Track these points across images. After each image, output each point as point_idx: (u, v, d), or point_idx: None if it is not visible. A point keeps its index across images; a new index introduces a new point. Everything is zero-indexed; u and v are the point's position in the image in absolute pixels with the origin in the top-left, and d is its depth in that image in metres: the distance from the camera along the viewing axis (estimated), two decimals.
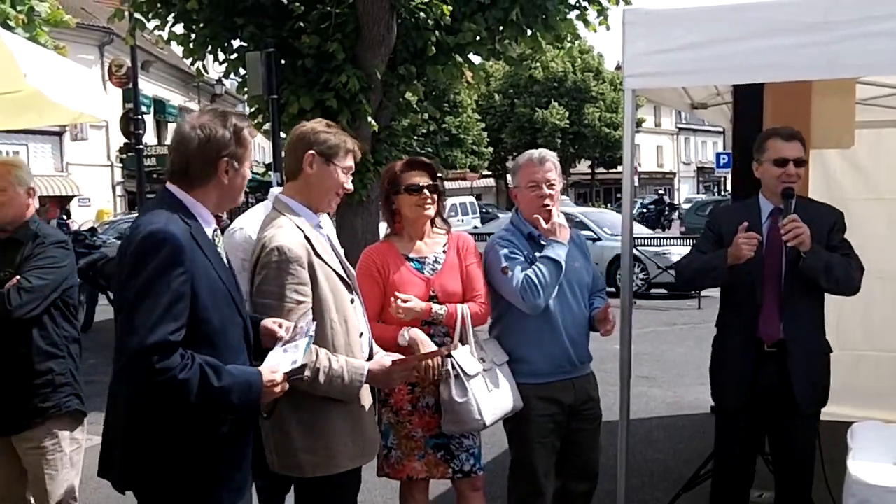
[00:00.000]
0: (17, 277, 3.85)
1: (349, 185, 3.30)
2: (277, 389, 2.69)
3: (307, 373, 2.92)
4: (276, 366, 2.73)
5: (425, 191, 3.73)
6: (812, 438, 4.02)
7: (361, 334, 3.30)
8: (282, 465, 3.19)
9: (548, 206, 3.88)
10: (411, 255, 3.78)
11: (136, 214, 19.21)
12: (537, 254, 3.88)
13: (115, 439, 2.66)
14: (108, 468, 2.70)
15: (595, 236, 16.39)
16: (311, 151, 3.21)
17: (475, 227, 30.57)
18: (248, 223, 3.61)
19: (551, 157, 3.98)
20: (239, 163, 2.70)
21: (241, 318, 2.74)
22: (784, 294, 3.89)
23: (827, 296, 4.05)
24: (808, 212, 3.91)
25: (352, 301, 3.28)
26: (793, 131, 3.98)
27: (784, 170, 3.88)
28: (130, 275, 2.48)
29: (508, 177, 56.90)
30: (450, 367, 3.59)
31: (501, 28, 11.34)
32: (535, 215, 3.90)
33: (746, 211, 4.06)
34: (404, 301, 3.61)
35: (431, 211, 3.78)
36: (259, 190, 37.99)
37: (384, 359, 3.28)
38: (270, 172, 12.23)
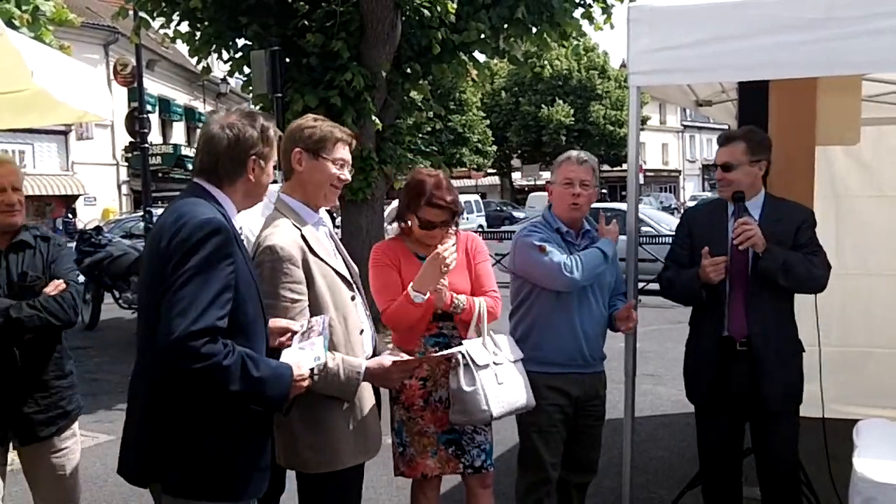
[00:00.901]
0: (62, 281, 3.86)
1: (346, 176, 3.29)
2: (305, 384, 2.77)
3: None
4: (300, 361, 2.78)
5: (437, 228, 3.71)
6: (791, 436, 4.01)
7: (362, 331, 3.31)
8: (287, 460, 3.21)
9: (577, 205, 3.97)
10: (421, 254, 3.78)
11: (142, 213, 19.01)
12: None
13: (135, 433, 2.68)
14: (127, 464, 2.71)
15: (654, 232, 16.38)
16: (297, 149, 3.23)
17: (480, 227, 30.55)
18: (246, 222, 3.62)
19: (590, 159, 4.06)
20: (265, 161, 2.82)
21: (262, 312, 2.80)
22: (750, 291, 3.91)
23: (829, 292, 4.04)
24: (778, 210, 3.95)
25: (352, 298, 3.29)
26: (729, 134, 4.04)
27: (717, 175, 3.98)
28: (183, 259, 2.51)
29: (514, 175, 56.91)
30: (459, 356, 3.59)
31: (506, 26, 11.33)
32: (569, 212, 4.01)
33: (714, 210, 4.11)
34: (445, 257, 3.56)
35: (435, 242, 3.73)
36: None
37: (384, 358, 3.28)
38: (276, 171, 12.23)
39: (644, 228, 16.48)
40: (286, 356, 2.81)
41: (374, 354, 3.37)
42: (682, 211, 38.10)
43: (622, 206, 21.61)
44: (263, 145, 2.80)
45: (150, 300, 2.59)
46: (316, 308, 3.12)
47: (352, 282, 3.32)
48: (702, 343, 4.11)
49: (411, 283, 3.58)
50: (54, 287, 3.83)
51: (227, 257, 2.55)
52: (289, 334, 2.96)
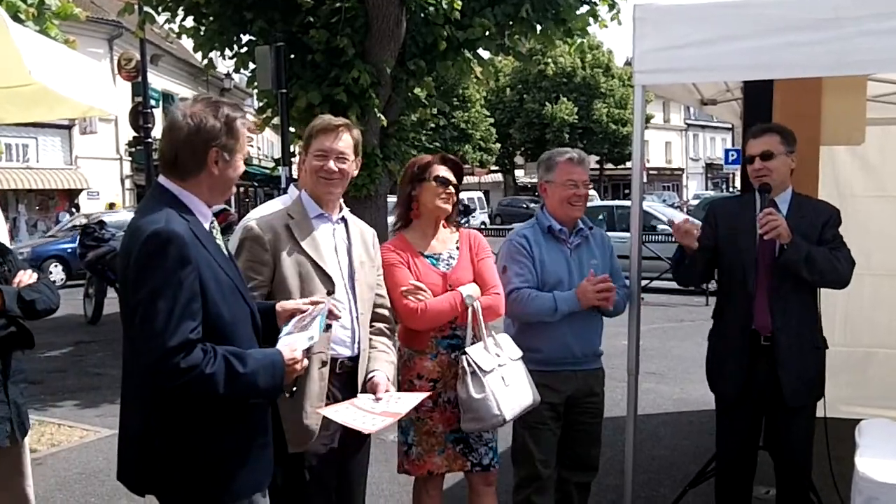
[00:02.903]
0: (30, 270, 3.89)
1: (329, 166, 3.31)
2: (299, 367, 2.69)
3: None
4: (293, 343, 2.72)
5: (450, 187, 3.78)
6: (807, 432, 4.01)
7: (329, 328, 3.22)
8: None
9: (579, 205, 4.03)
10: (426, 252, 3.80)
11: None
12: (543, 252, 3.98)
13: (133, 442, 2.63)
14: (126, 472, 2.67)
15: (669, 231, 16.41)
16: (300, 151, 3.47)
17: (483, 224, 30.54)
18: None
19: (587, 158, 4.13)
20: (230, 154, 2.63)
21: (248, 307, 2.74)
22: (775, 286, 3.92)
23: (833, 292, 4.04)
24: (802, 208, 3.96)
25: (329, 293, 3.27)
26: (764, 126, 4.05)
27: (752, 166, 3.98)
28: (140, 278, 2.45)
29: (517, 172, 56.83)
30: (465, 364, 3.59)
31: (511, 23, 11.33)
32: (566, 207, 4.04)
33: (743, 205, 4.11)
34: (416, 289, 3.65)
35: (450, 207, 3.81)
36: (268, 184, 37.86)
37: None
38: (280, 168, 12.24)
39: (661, 227, 16.50)
40: (284, 337, 2.78)
41: (359, 354, 3.37)
42: (684, 210, 38.15)
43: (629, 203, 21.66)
44: (227, 137, 2.61)
45: (127, 314, 2.54)
46: (278, 292, 3.19)
47: (333, 279, 3.31)
48: (727, 337, 4.11)
49: (464, 295, 3.65)
50: (28, 276, 3.86)
51: (185, 265, 2.44)
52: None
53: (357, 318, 3.39)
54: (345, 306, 3.33)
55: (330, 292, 3.28)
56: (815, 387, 4.00)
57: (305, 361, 2.73)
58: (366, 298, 3.45)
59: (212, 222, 2.72)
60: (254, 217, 3.73)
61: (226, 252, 2.76)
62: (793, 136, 3.98)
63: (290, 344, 2.72)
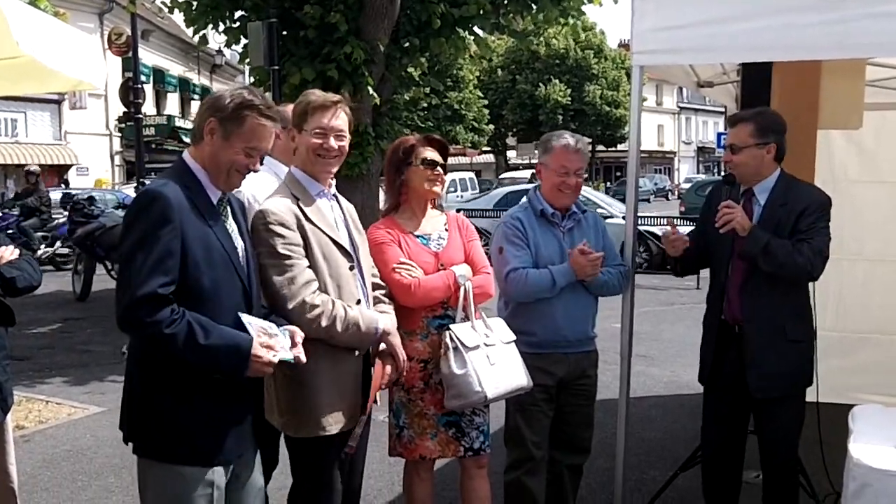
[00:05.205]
0: (11, 247, 3.83)
1: (329, 144, 3.29)
2: (263, 366, 2.70)
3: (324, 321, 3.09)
4: (275, 343, 2.75)
5: (438, 168, 3.75)
6: (789, 421, 3.95)
7: (359, 301, 3.30)
8: (268, 416, 3.27)
9: (567, 192, 4.01)
10: (416, 232, 3.77)
11: (134, 185, 19.22)
12: (537, 236, 3.98)
13: (125, 393, 2.75)
14: (121, 420, 2.78)
15: (608, 214, 16.50)
16: (289, 128, 3.40)
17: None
18: (245, 185, 3.66)
19: (584, 146, 4.09)
20: (226, 135, 2.74)
21: (241, 282, 2.79)
22: (747, 276, 3.89)
23: (825, 280, 3.99)
24: (787, 194, 3.87)
25: (351, 268, 3.30)
26: (738, 115, 4.03)
27: (725, 156, 3.99)
28: (125, 232, 2.61)
29: (510, 153, 56.72)
30: (448, 340, 3.58)
31: (506, 2, 11.26)
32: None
33: (734, 190, 4.05)
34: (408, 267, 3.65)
35: (439, 189, 3.80)
36: (259, 162, 37.60)
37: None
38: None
39: (599, 210, 16.62)
40: (272, 337, 2.78)
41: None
42: (675, 193, 38.22)
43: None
44: (230, 118, 2.73)
45: None
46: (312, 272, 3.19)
47: (351, 253, 3.33)
48: (706, 324, 4.13)
49: (458, 277, 3.66)
50: (10, 252, 3.80)
51: (165, 224, 2.56)
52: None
53: (366, 293, 3.41)
54: (356, 282, 3.34)
55: (351, 267, 3.31)
56: (788, 380, 3.90)
57: (271, 369, 2.75)
58: (369, 272, 3.47)
59: (221, 198, 2.83)
60: (239, 189, 3.73)
61: (232, 226, 2.86)
62: (771, 125, 3.86)
63: (270, 343, 2.74)
